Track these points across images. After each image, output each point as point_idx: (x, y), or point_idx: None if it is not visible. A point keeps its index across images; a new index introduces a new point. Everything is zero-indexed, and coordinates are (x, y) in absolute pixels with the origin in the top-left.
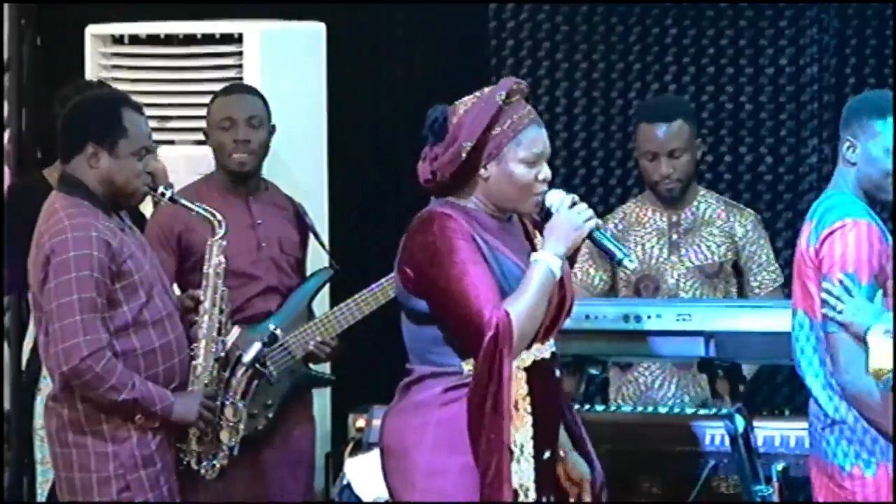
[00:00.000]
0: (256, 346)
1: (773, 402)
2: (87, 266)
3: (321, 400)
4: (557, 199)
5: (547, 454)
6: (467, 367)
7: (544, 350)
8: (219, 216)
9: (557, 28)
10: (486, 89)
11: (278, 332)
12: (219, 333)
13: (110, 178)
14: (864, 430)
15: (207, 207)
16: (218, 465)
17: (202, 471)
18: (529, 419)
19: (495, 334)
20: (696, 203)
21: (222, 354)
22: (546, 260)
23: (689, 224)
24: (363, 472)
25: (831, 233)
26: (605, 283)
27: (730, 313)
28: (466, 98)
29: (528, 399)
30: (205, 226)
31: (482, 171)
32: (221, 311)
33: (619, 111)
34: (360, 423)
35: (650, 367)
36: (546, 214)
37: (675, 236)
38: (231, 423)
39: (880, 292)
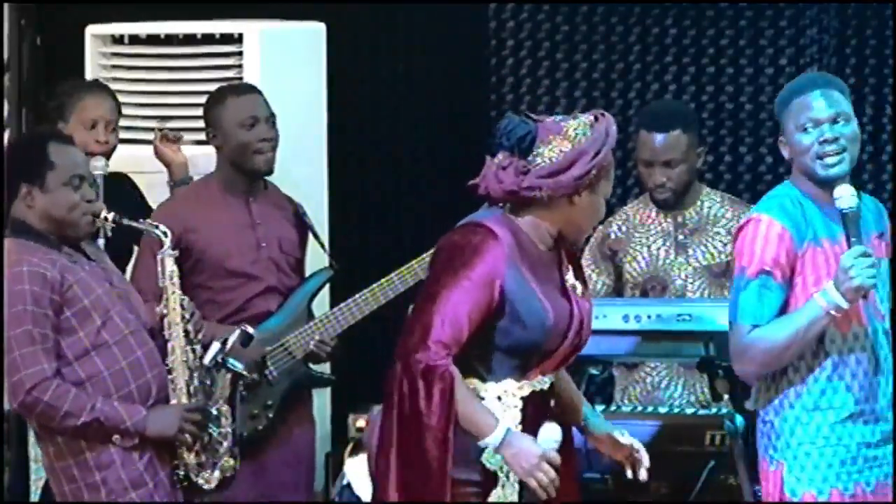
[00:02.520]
0: (215, 346)
1: None
2: (21, 301)
3: (321, 400)
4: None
5: None
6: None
7: (544, 381)
8: (163, 227)
9: (557, 28)
10: (599, 123)
11: (250, 330)
12: (189, 343)
13: (48, 213)
14: (770, 424)
15: (150, 222)
16: (219, 474)
17: (200, 481)
18: None
19: (413, 374)
20: (699, 203)
21: (198, 363)
22: (496, 437)
23: (695, 224)
24: (363, 472)
25: (739, 229)
26: (607, 287)
27: None
28: (571, 121)
29: (519, 427)
30: (204, 226)
31: (575, 197)
32: (188, 321)
33: (618, 111)
34: (360, 423)
35: (657, 368)
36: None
37: (681, 237)
38: (222, 429)
39: None
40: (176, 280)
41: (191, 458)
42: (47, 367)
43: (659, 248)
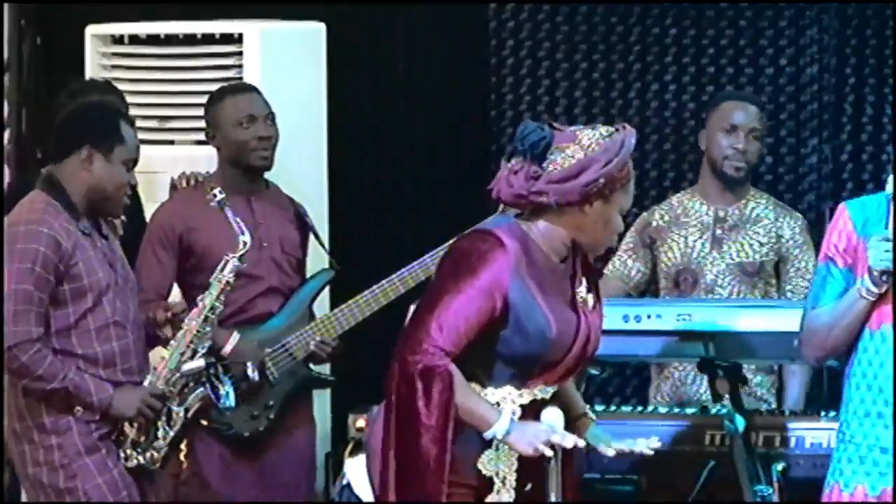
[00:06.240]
0: (199, 362)
1: None
2: (31, 259)
3: (321, 400)
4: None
5: (528, 486)
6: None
7: (546, 391)
8: (246, 237)
9: (557, 28)
10: (616, 134)
11: (249, 371)
12: (198, 341)
13: (100, 183)
14: None
15: (240, 223)
16: (141, 460)
17: (121, 454)
18: (516, 453)
19: (411, 375)
20: (745, 201)
21: (189, 360)
22: (501, 426)
23: (735, 220)
24: (363, 472)
25: None
26: (642, 274)
27: (730, 313)
28: (588, 131)
29: None
30: (206, 225)
31: (586, 206)
32: (206, 321)
33: (619, 111)
34: (360, 423)
35: (683, 364)
36: None
37: (718, 231)
38: (168, 430)
39: None
40: (223, 287)
41: (131, 433)
42: (34, 329)
43: (695, 241)
